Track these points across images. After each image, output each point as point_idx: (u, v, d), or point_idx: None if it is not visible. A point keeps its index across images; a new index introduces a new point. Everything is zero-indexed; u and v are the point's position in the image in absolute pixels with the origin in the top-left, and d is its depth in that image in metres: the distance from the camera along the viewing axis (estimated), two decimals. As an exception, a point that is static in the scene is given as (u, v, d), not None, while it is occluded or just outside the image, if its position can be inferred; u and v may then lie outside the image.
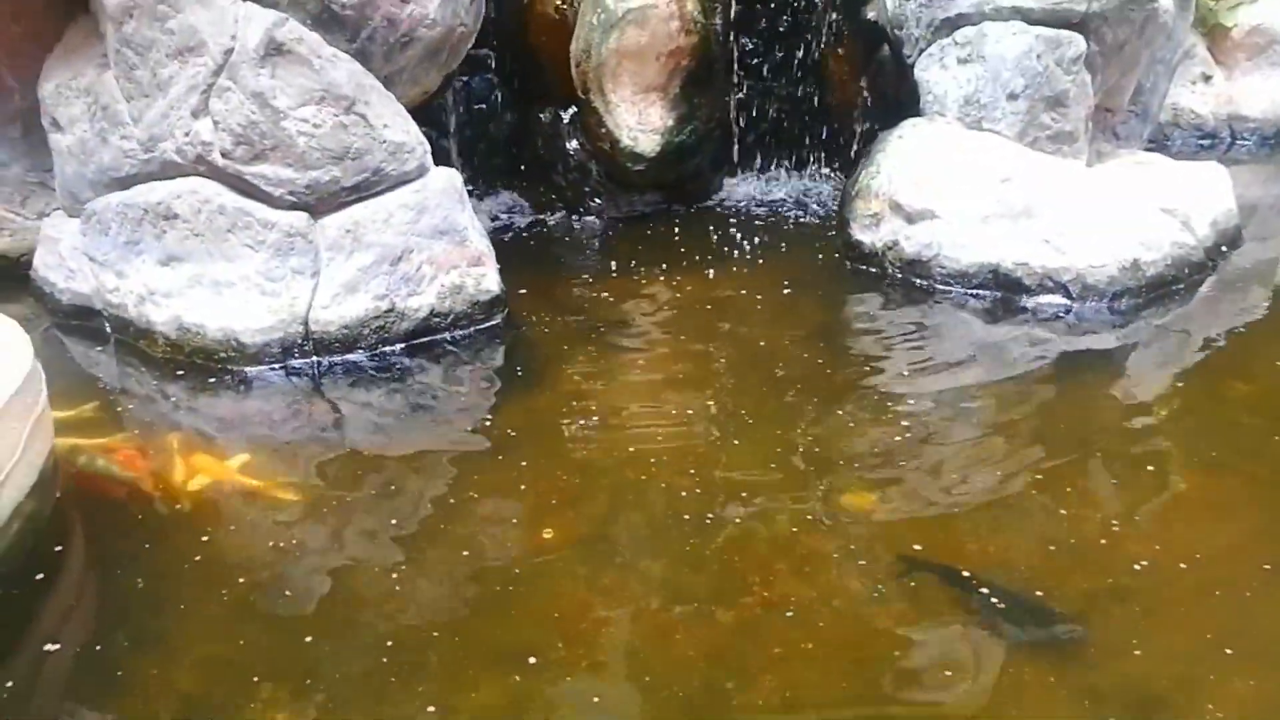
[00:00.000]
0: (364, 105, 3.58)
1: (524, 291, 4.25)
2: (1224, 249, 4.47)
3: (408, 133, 3.73)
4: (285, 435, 3.34)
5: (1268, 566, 2.62)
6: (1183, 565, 2.65)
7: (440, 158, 3.98)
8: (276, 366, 3.59)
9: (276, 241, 3.53)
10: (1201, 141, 6.83)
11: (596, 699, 2.29)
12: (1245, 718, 2.18)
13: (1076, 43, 4.27)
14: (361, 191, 3.66)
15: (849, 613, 2.53)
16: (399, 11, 3.70)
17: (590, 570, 2.71)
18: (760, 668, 2.40)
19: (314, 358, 3.61)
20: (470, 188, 5.36)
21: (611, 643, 2.47)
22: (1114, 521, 2.80)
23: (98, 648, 2.38)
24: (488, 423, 3.43)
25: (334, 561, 2.71)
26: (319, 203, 3.60)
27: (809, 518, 2.88)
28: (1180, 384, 3.64)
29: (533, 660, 2.36)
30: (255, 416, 3.45)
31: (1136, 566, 2.63)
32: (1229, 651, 2.36)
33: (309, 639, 2.41)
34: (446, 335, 3.81)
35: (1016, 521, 2.84)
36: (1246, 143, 6.87)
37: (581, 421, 3.35)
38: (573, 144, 5.25)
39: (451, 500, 2.97)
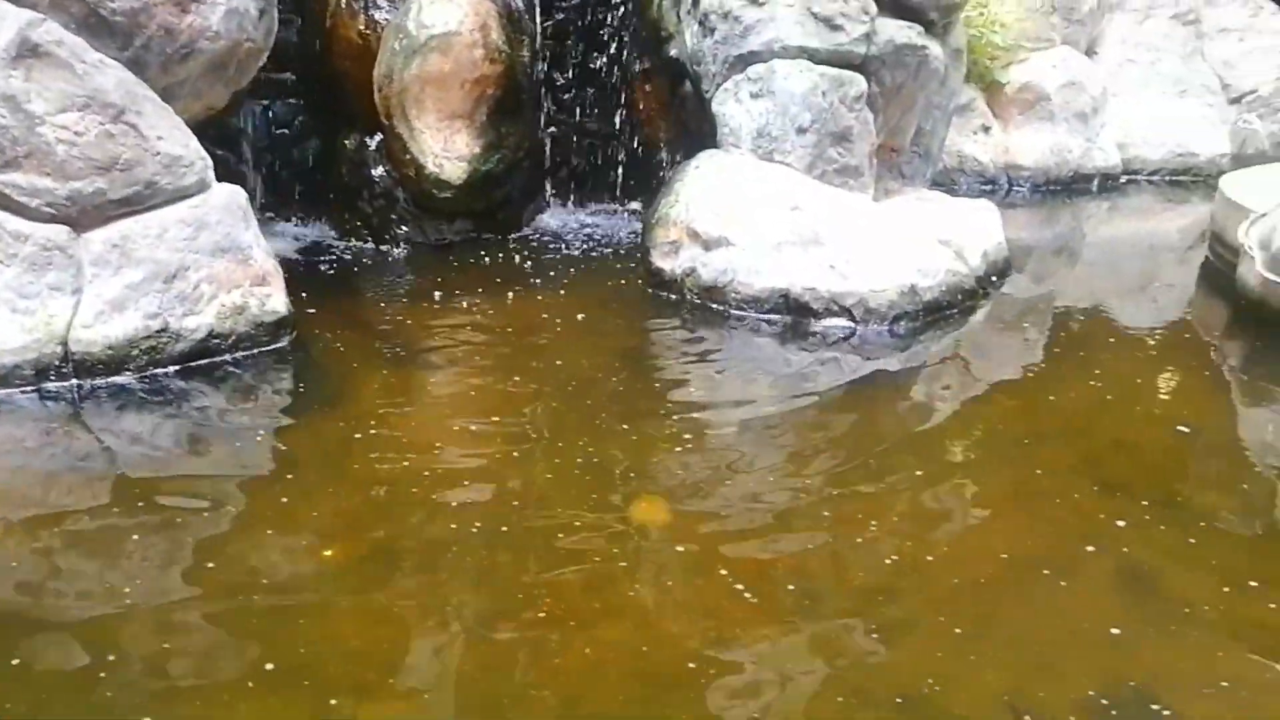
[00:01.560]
0: (135, 115, 3.38)
1: (320, 315, 4.10)
2: (994, 279, 4.83)
3: (186, 146, 3.55)
4: (40, 463, 3.06)
5: (1029, 563, 2.81)
6: (946, 566, 2.80)
7: (239, 183, 3.82)
8: (29, 389, 3.30)
9: (31, 255, 3.27)
10: (984, 187, 7.41)
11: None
12: (997, 709, 2.29)
13: (858, 82, 4.56)
14: (132, 205, 3.44)
15: (638, 623, 2.53)
16: (177, 21, 3.54)
17: (371, 588, 2.61)
18: (540, 682, 2.36)
19: (74, 380, 3.34)
20: (272, 214, 5.21)
21: (388, 661, 2.37)
22: (888, 526, 2.93)
23: None
24: (271, 446, 3.26)
25: (89, 594, 2.49)
26: (82, 215, 3.36)
27: (602, 531, 2.88)
28: (953, 400, 3.88)
29: (306, 683, 2.25)
30: (4, 443, 3.15)
31: (900, 566, 2.76)
32: (980, 642, 2.51)
33: (53, 683, 2.20)
34: (228, 357, 3.62)
35: (804, 528, 2.93)
36: (1021, 189, 7.50)
37: (373, 443, 3.23)
38: (378, 170, 5.15)
39: (227, 525, 2.80)
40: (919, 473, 3.24)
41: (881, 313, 4.19)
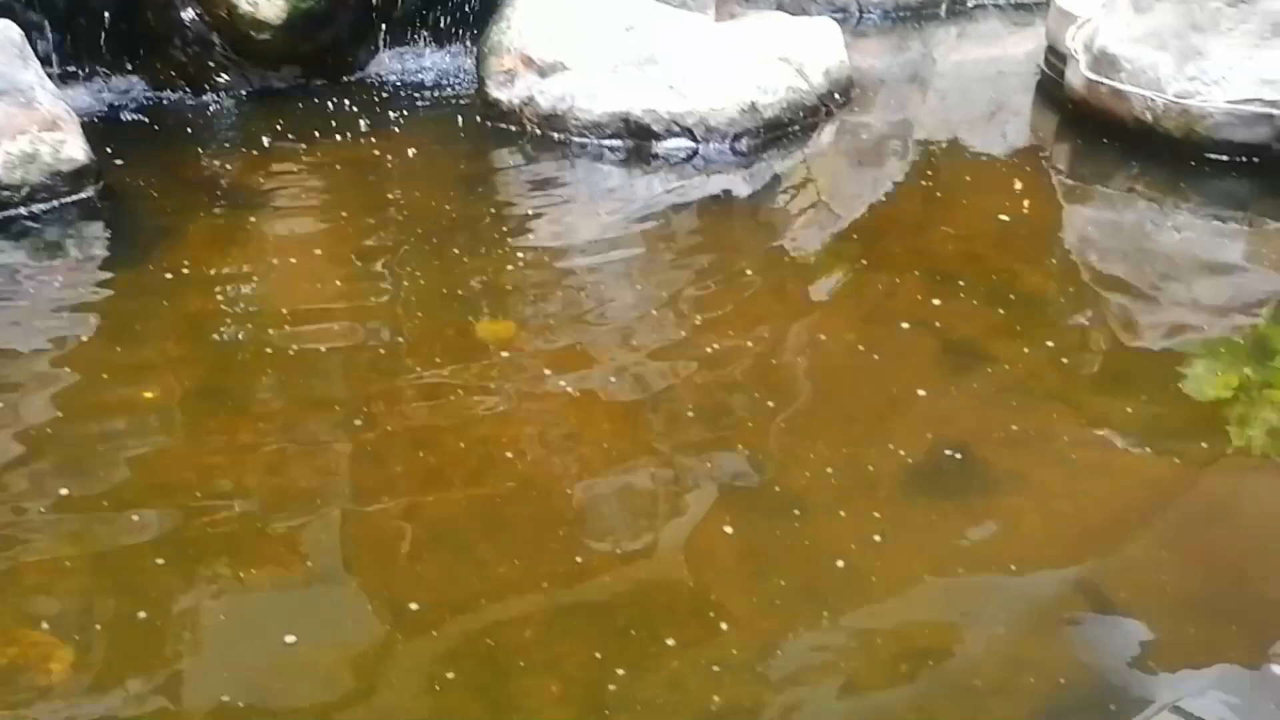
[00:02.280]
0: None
1: (131, 166, 3.82)
2: (837, 96, 4.83)
3: (-58, -24, 3.18)
4: None
5: (861, 348, 2.92)
6: (785, 361, 2.90)
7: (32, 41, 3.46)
8: None
9: None
10: (835, 15, 7.33)
11: (205, 532, 2.17)
12: (833, 477, 2.41)
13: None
14: (-113, 44, 3.09)
15: (477, 435, 2.54)
16: None
17: (194, 421, 2.54)
18: (380, 487, 2.37)
19: None
20: (74, 69, 4.76)
21: (218, 482, 2.33)
22: (731, 333, 2.98)
23: None
24: (84, 296, 3.07)
25: None
26: None
27: (446, 355, 2.84)
28: (794, 212, 3.93)
29: (136, 517, 2.21)
30: None
31: (744, 366, 2.84)
32: (812, 420, 2.62)
33: None
34: (23, 210, 3.35)
35: (648, 335, 2.96)
36: (872, 16, 7.47)
37: (198, 287, 3.08)
38: (188, 13, 4.72)
39: (45, 375, 2.67)
40: (760, 280, 3.30)
41: (722, 131, 4.16)
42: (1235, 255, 3.70)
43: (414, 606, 2.01)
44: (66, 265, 3.26)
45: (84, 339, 2.89)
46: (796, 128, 4.44)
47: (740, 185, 4.07)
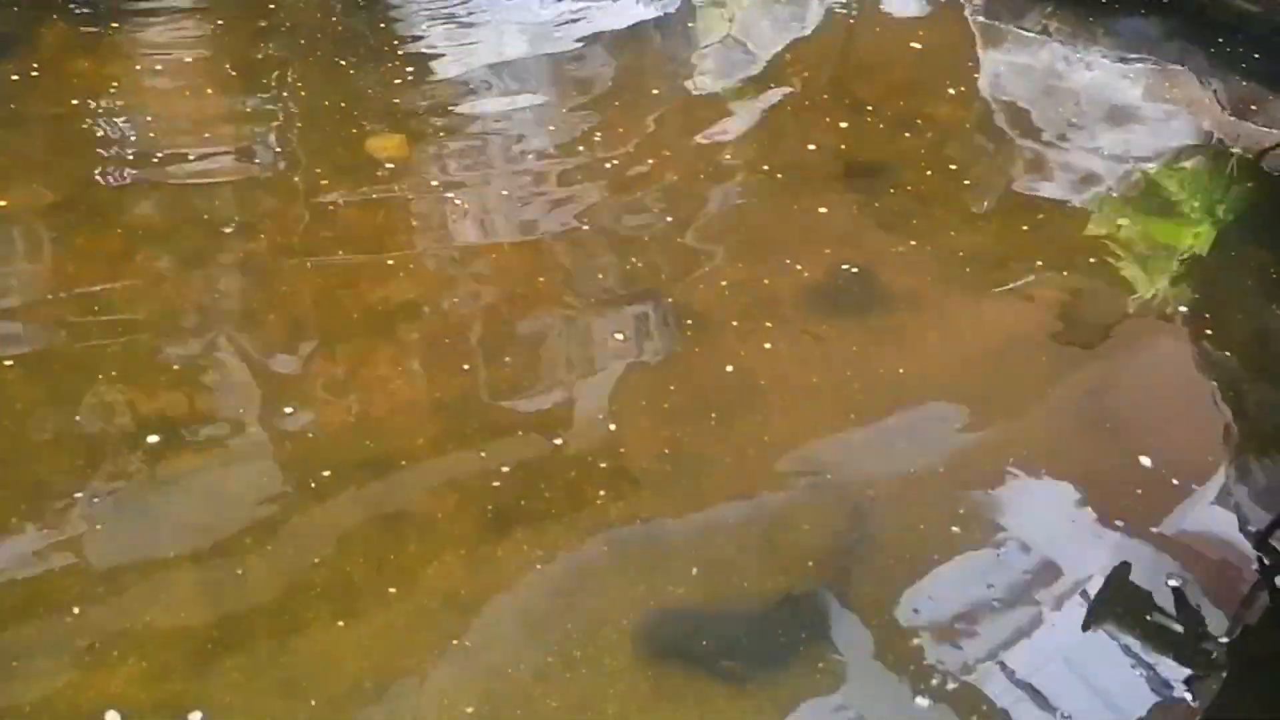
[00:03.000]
0: None
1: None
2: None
3: None
4: None
5: (765, 167, 2.85)
6: (688, 182, 2.82)
7: None
8: None
9: None
10: None
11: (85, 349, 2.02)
12: (728, 291, 2.37)
13: None
14: None
15: (369, 247, 2.43)
16: None
17: (61, 230, 2.37)
18: (266, 305, 2.25)
19: None
20: None
21: (79, 298, 2.19)
22: (638, 153, 2.88)
23: None
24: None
25: None
26: None
27: (332, 164, 2.69)
28: (705, 42, 3.77)
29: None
30: None
31: (649, 183, 2.76)
32: (720, 244, 2.57)
33: None
34: None
35: (544, 155, 2.84)
36: None
37: (54, 93, 2.84)
38: None
39: None
40: (666, 105, 3.17)
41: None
42: (1138, 97, 3.71)
43: (290, 412, 1.94)
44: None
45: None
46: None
47: (651, 11, 3.88)
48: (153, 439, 1.87)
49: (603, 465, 1.90)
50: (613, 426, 1.98)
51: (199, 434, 1.90)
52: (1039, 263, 2.60)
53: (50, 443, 1.84)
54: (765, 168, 2.85)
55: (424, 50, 3.38)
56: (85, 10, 3.32)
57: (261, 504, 1.79)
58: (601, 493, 1.85)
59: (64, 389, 1.95)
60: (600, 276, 2.39)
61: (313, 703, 1.51)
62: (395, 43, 3.35)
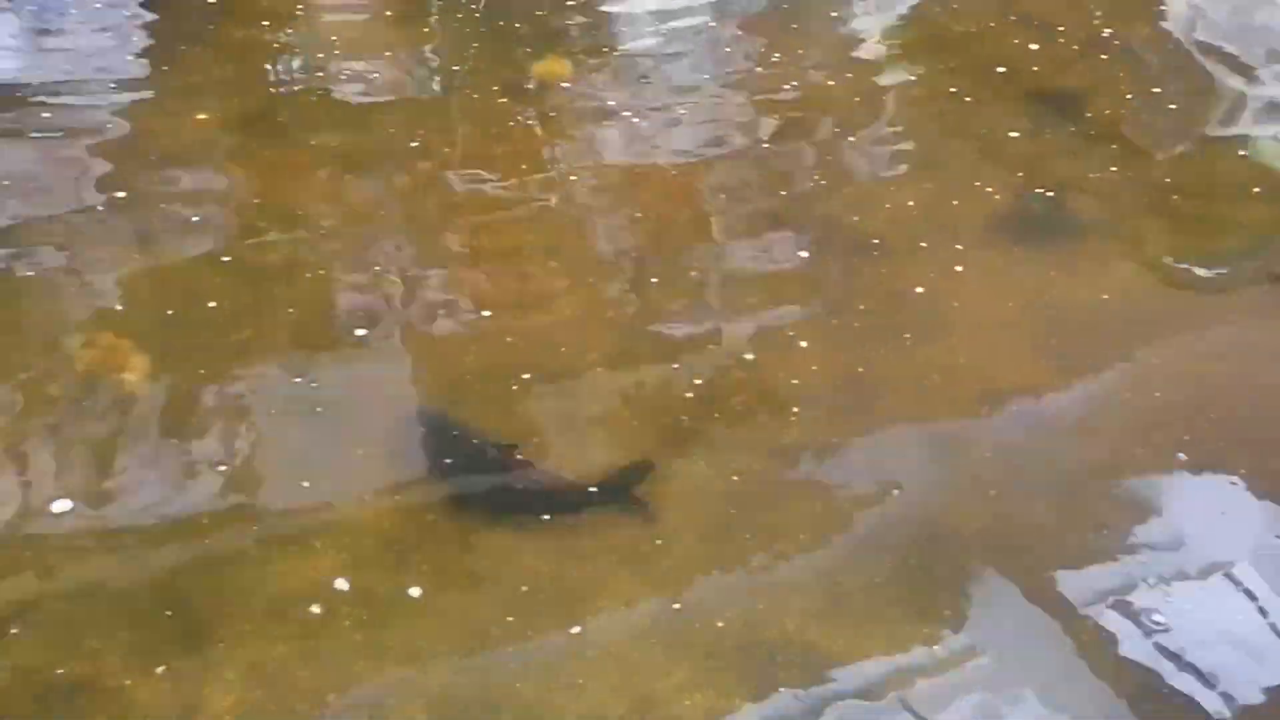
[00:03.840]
0: None
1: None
2: None
3: None
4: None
5: (951, 89, 2.72)
6: (865, 105, 2.71)
7: None
8: None
9: None
10: None
11: (271, 248, 2.12)
12: (915, 212, 2.29)
13: None
14: None
15: (537, 165, 2.44)
16: None
17: (249, 147, 2.45)
18: (435, 224, 2.28)
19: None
20: None
21: (277, 206, 2.26)
22: (805, 85, 2.78)
23: None
24: (131, 28, 2.91)
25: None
26: None
27: (502, 87, 2.69)
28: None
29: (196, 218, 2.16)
30: None
31: (823, 116, 2.67)
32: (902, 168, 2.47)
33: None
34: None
35: (719, 75, 2.78)
36: None
37: (241, 16, 2.92)
38: None
39: (100, 104, 2.56)
40: (841, 26, 3.06)
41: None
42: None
43: (485, 315, 1.98)
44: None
45: (131, 60, 2.76)
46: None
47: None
48: (360, 332, 1.93)
49: (794, 382, 1.85)
50: (803, 344, 1.93)
51: (393, 331, 1.95)
52: (1255, 189, 2.40)
53: (254, 338, 1.92)
54: (952, 90, 2.71)
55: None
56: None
57: (454, 401, 1.82)
58: (795, 410, 1.80)
59: (268, 288, 2.02)
60: (782, 194, 2.33)
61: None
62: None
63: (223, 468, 1.67)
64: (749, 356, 1.90)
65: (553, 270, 2.13)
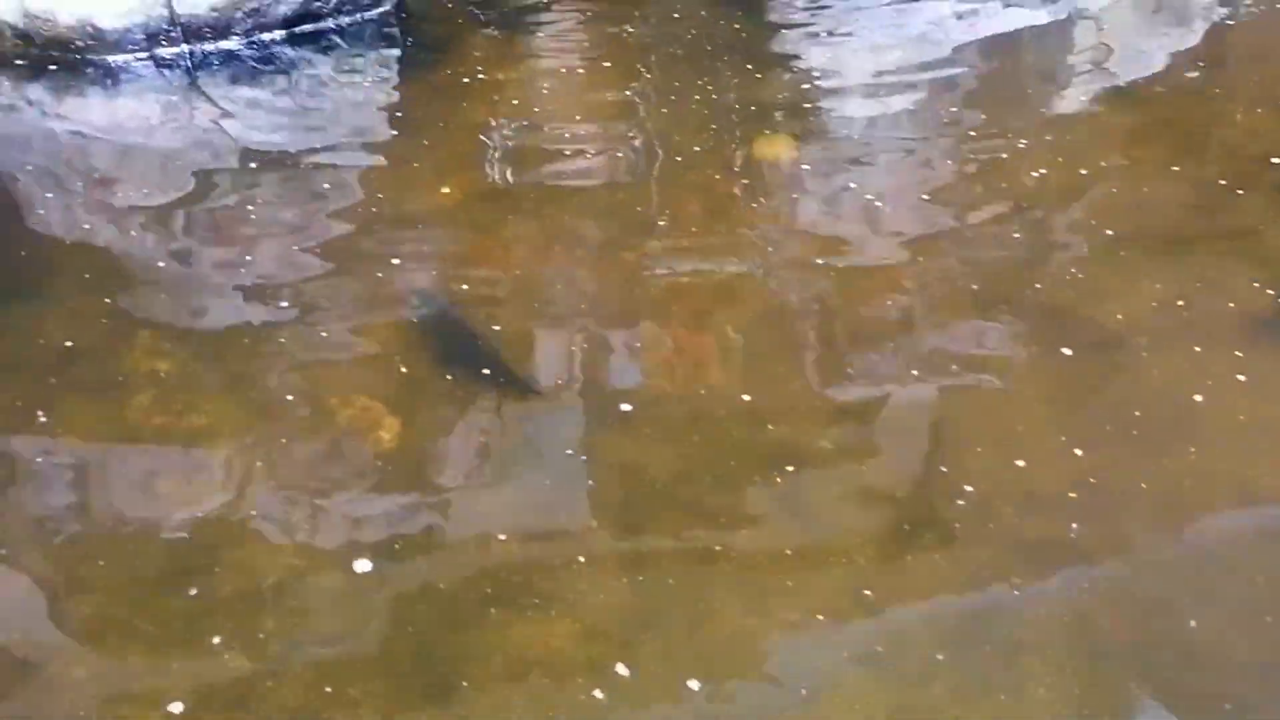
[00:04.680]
0: None
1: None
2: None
3: None
4: (164, 139, 3.07)
5: (1175, 168, 2.60)
6: (1104, 185, 2.63)
7: None
8: (143, 56, 3.28)
9: (124, -91, 3.15)
10: None
11: (498, 325, 2.24)
12: (1141, 303, 2.19)
13: None
14: None
15: (755, 245, 2.49)
16: None
17: (488, 222, 2.61)
18: (666, 297, 2.36)
19: (184, 45, 3.31)
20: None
21: (519, 280, 2.40)
22: (1027, 151, 2.74)
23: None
24: (385, 106, 3.21)
25: (218, 224, 2.56)
26: None
27: (724, 165, 2.79)
28: (1108, 44, 3.50)
29: (464, 286, 2.33)
30: (128, 116, 3.18)
31: (1036, 173, 2.60)
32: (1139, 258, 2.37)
33: (194, 292, 2.31)
34: (331, 23, 3.51)
35: (935, 161, 2.77)
36: None
37: (485, 95, 3.15)
38: None
39: (346, 175, 2.81)
40: (1071, 112, 2.99)
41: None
42: None
43: (700, 393, 2.02)
44: (365, 74, 3.39)
45: (384, 133, 3.02)
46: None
47: (1043, 18, 3.67)
48: (625, 407, 2.01)
49: (1014, 490, 1.80)
50: (1020, 462, 1.87)
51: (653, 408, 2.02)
52: None
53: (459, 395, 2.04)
54: (1175, 169, 2.59)
55: (798, 53, 3.43)
56: (501, 18, 3.69)
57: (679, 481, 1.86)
58: (1011, 513, 1.75)
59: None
60: (1004, 280, 2.28)
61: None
62: (771, 46, 3.42)
63: (475, 527, 1.76)
64: (978, 449, 1.86)
65: (781, 356, 2.15)
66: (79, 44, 3.23)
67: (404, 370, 2.12)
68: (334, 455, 1.91)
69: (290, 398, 2.04)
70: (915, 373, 2.08)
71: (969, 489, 1.79)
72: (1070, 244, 2.41)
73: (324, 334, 2.21)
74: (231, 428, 1.95)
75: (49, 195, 2.71)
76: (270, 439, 1.93)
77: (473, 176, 2.76)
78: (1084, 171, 2.64)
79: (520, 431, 1.97)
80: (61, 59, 3.26)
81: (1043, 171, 2.65)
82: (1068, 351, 2.08)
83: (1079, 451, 1.85)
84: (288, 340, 2.19)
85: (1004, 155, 2.75)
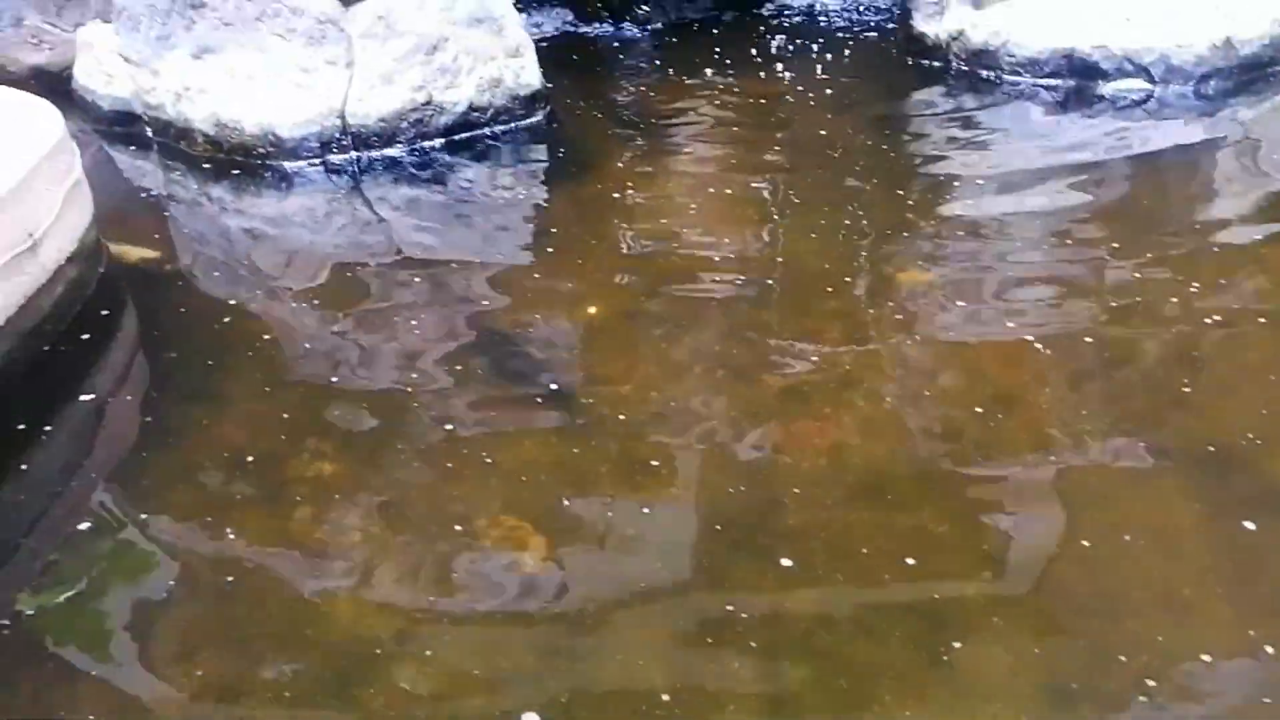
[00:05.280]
0: (390, -118, 3.38)
1: (568, 92, 4.09)
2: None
3: (439, -87, 3.53)
4: (330, 233, 3.29)
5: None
6: (1258, 321, 2.51)
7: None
8: (316, 162, 3.52)
9: (308, 29, 3.41)
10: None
11: (640, 459, 2.27)
12: None
13: None
14: (393, -24, 3.50)
15: (897, 379, 2.46)
16: None
17: (633, 341, 2.66)
18: (807, 431, 2.35)
19: (353, 153, 3.53)
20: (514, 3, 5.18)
21: (655, 404, 2.43)
22: (1162, 301, 2.64)
23: (147, 399, 2.41)
24: (532, 213, 3.35)
25: (375, 336, 2.70)
26: (350, -12, 3.46)
27: (861, 292, 2.78)
28: (1262, 177, 3.38)
29: (580, 421, 2.35)
30: (297, 214, 3.41)
31: (1208, 320, 2.50)
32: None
33: (352, 402, 2.42)
34: (487, 131, 3.70)
35: (1076, 295, 2.70)
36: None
37: (627, 208, 3.26)
38: (618, -52, 4.97)
39: (495, 283, 2.93)
40: (1215, 248, 2.88)
41: (1186, 71, 3.66)
42: None
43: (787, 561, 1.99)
44: (516, 180, 3.56)
45: (525, 245, 3.15)
46: (1279, 68, 3.81)
47: (1199, 136, 3.57)
48: (786, 563, 2.01)
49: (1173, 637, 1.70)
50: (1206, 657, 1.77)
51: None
52: None
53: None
54: None
55: (947, 174, 3.41)
56: (648, 133, 3.81)
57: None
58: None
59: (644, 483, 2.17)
60: (1143, 401, 2.19)
61: None
62: (916, 166, 3.42)
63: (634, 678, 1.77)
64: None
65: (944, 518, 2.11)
66: (260, 150, 3.49)
67: (548, 487, 2.16)
68: (480, 576, 1.96)
69: (441, 513, 2.10)
70: (1085, 543, 2.01)
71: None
72: (1207, 367, 2.31)
73: (469, 448, 2.28)
74: (385, 544, 2.03)
75: (221, 289, 2.91)
76: (423, 558, 1.99)
77: (616, 294, 2.83)
78: (1263, 320, 2.52)
79: (662, 554, 1.98)
80: (244, 163, 3.52)
81: (1216, 318, 2.54)
82: (1250, 525, 1.97)
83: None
84: (438, 451, 2.26)
85: (1166, 290, 2.65)
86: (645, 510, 2.11)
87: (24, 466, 2.18)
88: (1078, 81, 3.80)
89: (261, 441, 2.30)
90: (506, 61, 3.65)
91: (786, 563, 1.94)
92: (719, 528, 2.05)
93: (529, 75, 3.73)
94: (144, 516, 2.09)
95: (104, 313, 2.69)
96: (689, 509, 2.12)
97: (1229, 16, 3.71)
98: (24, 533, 2.05)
